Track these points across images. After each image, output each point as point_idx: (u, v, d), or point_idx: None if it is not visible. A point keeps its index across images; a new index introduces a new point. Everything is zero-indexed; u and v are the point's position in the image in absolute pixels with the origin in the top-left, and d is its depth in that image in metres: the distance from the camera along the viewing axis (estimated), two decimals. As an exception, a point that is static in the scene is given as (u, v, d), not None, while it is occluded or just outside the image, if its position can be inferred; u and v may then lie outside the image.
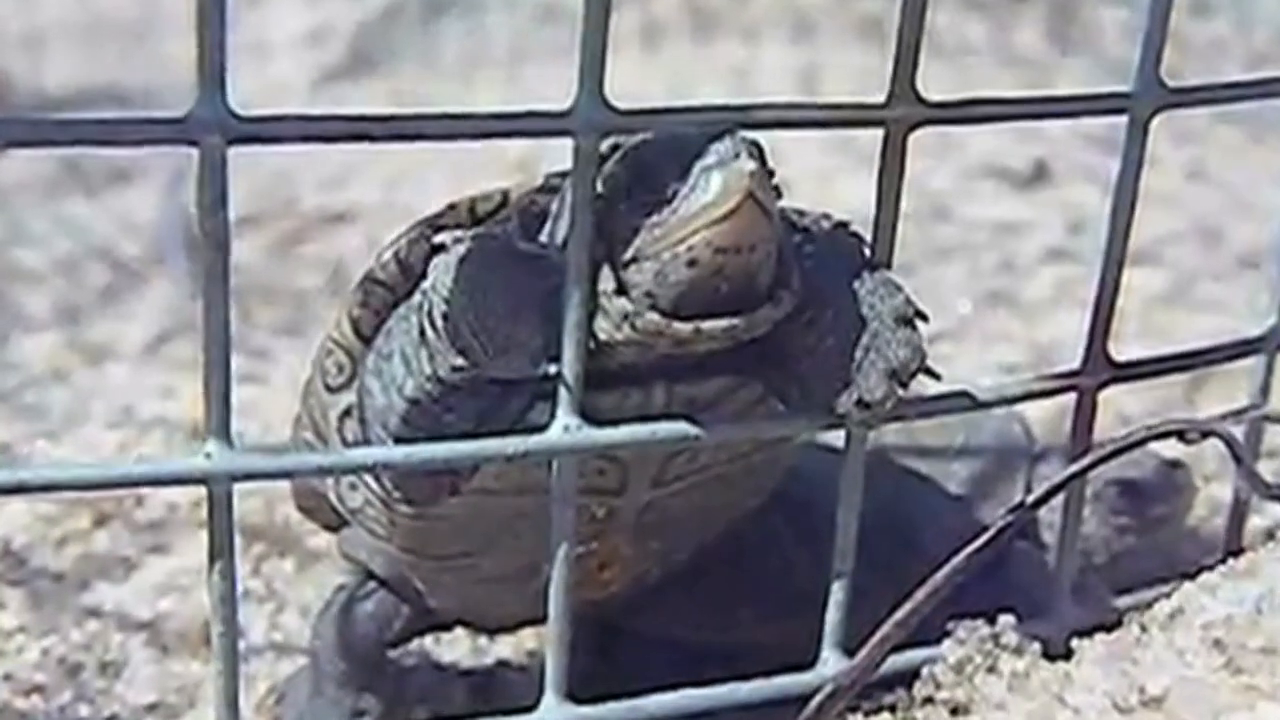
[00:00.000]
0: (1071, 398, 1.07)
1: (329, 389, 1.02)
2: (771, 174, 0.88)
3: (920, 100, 0.92)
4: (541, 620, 0.96)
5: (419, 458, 0.89)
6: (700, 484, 1.00)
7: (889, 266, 0.96)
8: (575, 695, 0.95)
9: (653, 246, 0.87)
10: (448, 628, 1.19)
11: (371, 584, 1.14)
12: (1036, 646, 1.00)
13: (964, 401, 1.02)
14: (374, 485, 0.99)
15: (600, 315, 0.89)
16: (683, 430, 0.93)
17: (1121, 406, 1.59)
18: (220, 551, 0.87)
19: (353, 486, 1.03)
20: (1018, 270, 2.13)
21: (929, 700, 0.99)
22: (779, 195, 0.89)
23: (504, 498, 0.97)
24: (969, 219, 2.29)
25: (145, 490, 1.41)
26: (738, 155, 0.85)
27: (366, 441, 0.96)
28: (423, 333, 0.91)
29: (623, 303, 0.88)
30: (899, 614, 1.00)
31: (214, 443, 0.85)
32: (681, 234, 0.86)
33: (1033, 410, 1.25)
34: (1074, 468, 1.05)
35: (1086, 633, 0.95)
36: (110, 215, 2.65)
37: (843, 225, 0.98)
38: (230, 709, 0.90)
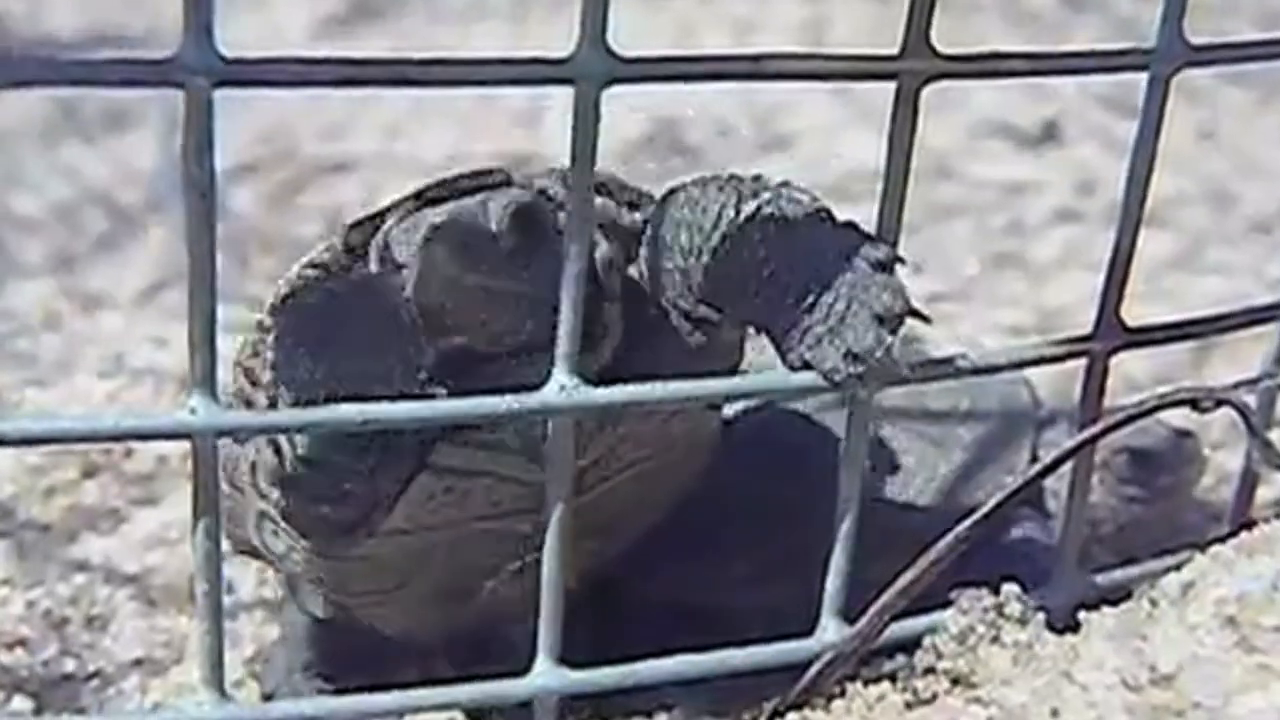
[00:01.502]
0: (1078, 362, 1.04)
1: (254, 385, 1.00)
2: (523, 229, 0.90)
3: (934, 53, 0.89)
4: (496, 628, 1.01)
5: (411, 416, 0.87)
6: (619, 486, 1.00)
7: (898, 222, 0.93)
8: (568, 660, 0.93)
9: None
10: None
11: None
12: (1041, 617, 0.98)
13: (973, 364, 0.99)
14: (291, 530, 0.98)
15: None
16: (678, 390, 0.91)
17: (1128, 372, 1.56)
18: (205, 509, 0.85)
19: (274, 533, 1.01)
20: (1025, 231, 2.11)
21: (930, 670, 0.97)
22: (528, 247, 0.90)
23: (417, 535, 0.96)
24: (976, 178, 2.26)
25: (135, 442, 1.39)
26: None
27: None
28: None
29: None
30: (901, 581, 0.98)
31: (198, 396, 0.83)
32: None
33: (1038, 374, 1.22)
34: (1085, 434, 1.02)
35: (1093, 605, 0.92)
36: (108, 161, 2.62)
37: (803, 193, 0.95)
38: (215, 668, 0.88)
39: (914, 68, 0.89)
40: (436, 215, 0.90)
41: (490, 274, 0.89)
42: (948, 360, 0.98)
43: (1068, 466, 1.04)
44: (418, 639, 1.11)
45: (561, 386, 0.87)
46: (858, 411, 0.96)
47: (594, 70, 0.82)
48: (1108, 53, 0.95)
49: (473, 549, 0.99)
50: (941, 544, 0.99)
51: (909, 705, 0.96)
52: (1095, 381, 1.04)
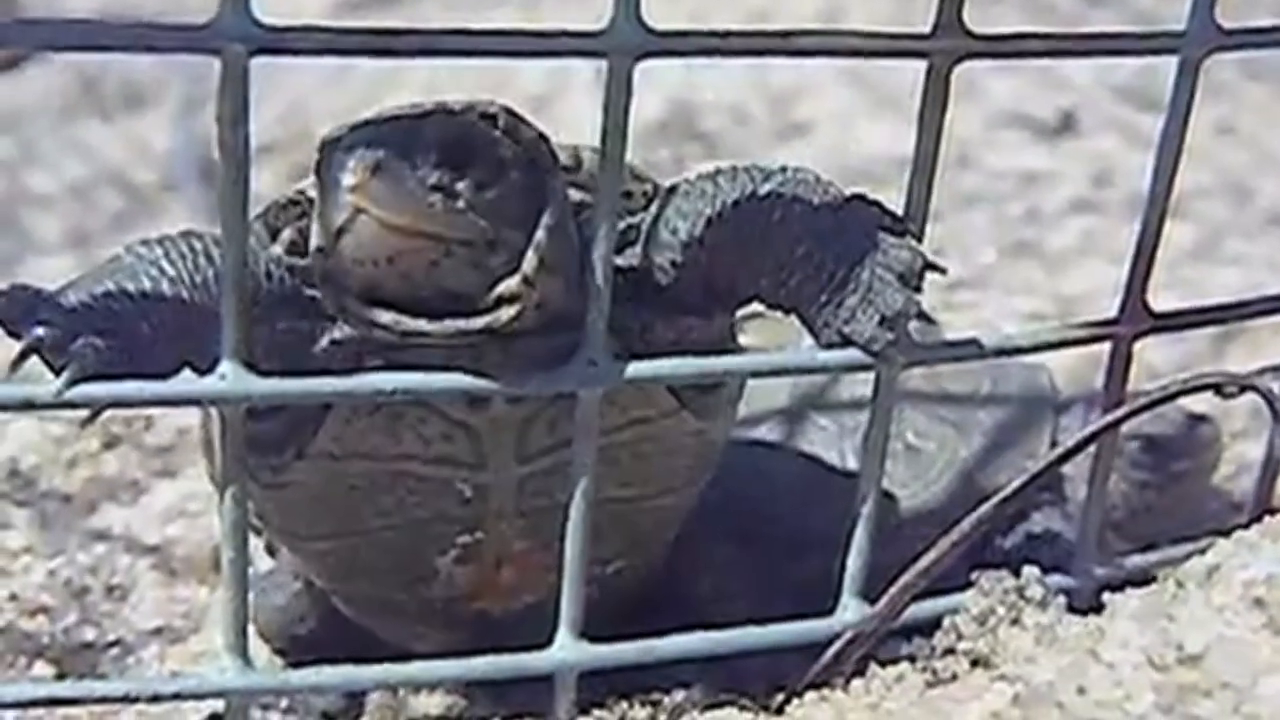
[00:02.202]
0: (1099, 350, 1.04)
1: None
2: (459, 161, 0.85)
3: (966, 32, 0.89)
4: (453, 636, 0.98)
5: (447, 386, 0.87)
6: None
7: (927, 203, 0.93)
8: (589, 634, 0.93)
9: (319, 242, 0.86)
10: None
11: (282, 576, 1.13)
12: (1062, 600, 0.98)
13: (996, 346, 0.99)
14: None
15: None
16: (714, 365, 0.91)
17: (1148, 360, 1.56)
18: (233, 476, 0.85)
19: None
20: (1043, 221, 2.10)
21: (950, 651, 0.97)
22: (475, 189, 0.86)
23: (348, 463, 0.92)
24: (994, 168, 2.25)
25: (155, 413, 1.39)
26: (353, 167, 0.83)
27: None
28: None
29: (327, 298, 0.87)
30: (921, 562, 0.98)
31: (228, 364, 0.83)
32: (324, 246, 0.85)
33: (1055, 361, 1.22)
34: (1108, 418, 1.02)
35: (1117, 587, 0.92)
36: (124, 140, 2.62)
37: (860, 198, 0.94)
38: (239, 635, 0.88)
39: (945, 47, 0.89)
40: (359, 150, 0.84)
41: (427, 214, 0.85)
42: (973, 340, 0.98)
43: (1083, 452, 1.04)
44: (378, 628, 1.08)
45: (592, 362, 0.87)
46: (883, 393, 0.96)
47: (627, 42, 0.82)
48: (1139, 35, 0.95)
49: (413, 504, 0.94)
50: (963, 525, 0.99)
51: (929, 685, 0.96)
52: (1119, 365, 1.04)
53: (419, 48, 0.80)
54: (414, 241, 0.84)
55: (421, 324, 0.86)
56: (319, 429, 0.91)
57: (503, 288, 0.86)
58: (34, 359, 0.83)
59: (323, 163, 0.85)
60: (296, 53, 0.78)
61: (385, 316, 0.86)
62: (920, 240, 0.92)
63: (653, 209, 0.94)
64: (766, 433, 1.23)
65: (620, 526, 1.00)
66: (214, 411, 0.95)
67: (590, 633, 0.92)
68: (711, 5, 3.16)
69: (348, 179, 0.83)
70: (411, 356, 0.87)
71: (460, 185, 0.85)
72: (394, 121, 0.86)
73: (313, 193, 0.88)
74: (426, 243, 0.85)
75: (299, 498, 0.96)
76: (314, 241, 0.86)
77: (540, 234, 0.87)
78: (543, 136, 0.89)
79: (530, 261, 0.86)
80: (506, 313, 0.86)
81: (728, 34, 0.85)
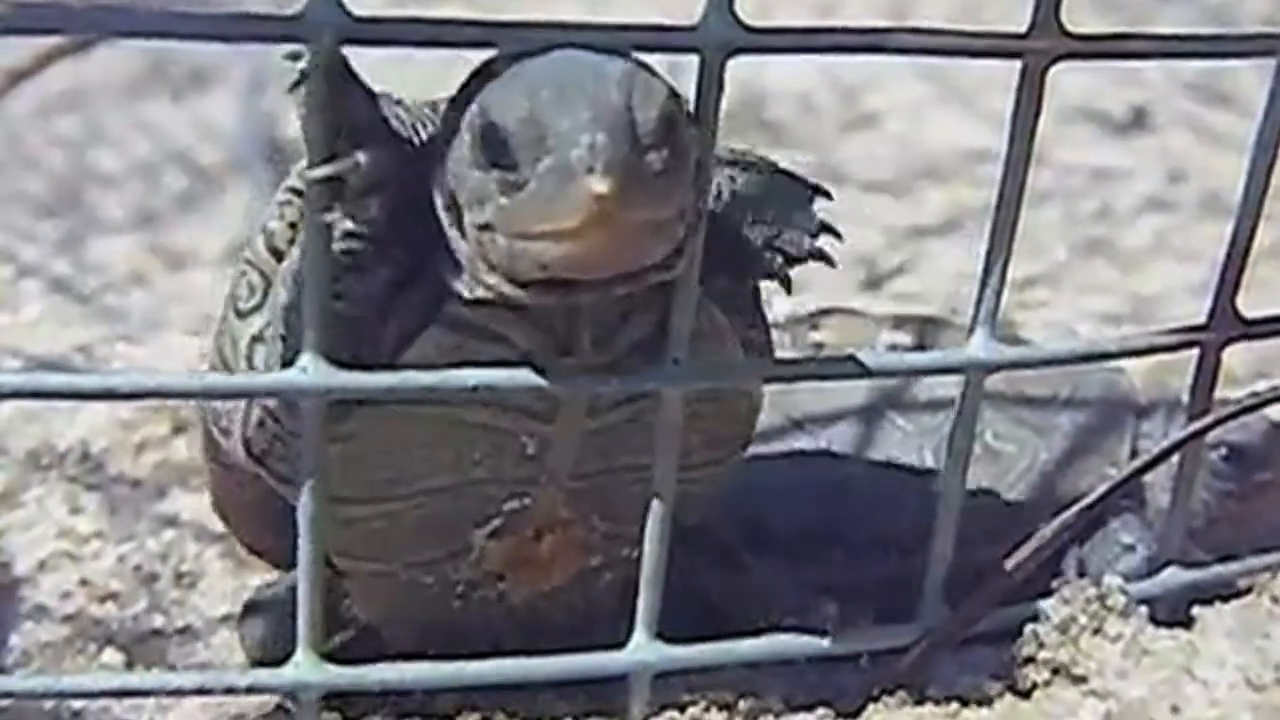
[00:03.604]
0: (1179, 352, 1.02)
1: (240, 314, 0.95)
2: (669, 134, 0.77)
3: (1063, 32, 0.87)
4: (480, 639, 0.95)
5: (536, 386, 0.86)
6: (641, 429, 0.90)
7: (1018, 203, 0.91)
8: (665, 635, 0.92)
9: (503, 225, 0.78)
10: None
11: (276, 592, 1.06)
12: (1144, 610, 0.96)
13: (1084, 351, 0.97)
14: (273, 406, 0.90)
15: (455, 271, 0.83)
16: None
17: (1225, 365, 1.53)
18: (312, 468, 0.84)
19: (260, 423, 0.91)
20: (1116, 218, 2.08)
21: (1030, 660, 0.95)
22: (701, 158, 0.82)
23: (412, 409, 0.87)
24: (1065, 163, 2.23)
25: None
26: (592, 166, 0.73)
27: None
28: None
29: (470, 264, 0.82)
30: (1003, 568, 0.97)
31: (309, 356, 0.82)
32: (527, 233, 0.77)
33: (1130, 362, 1.20)
34: (1194, 426, 1.01)
35: (1200, 601, 0.90)
36: (189, 120, 2.63)
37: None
38: (314, 628, 0.87)
39: (1042, 46, 0.88)
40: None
41: (663, 204, 0.78)
42: (1061, 344, 0.97)
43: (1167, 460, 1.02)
44: (400, 626, 1.02)
45: (675, 360, 0.86)
46: (970, 396, 0.94)
47: (720, 39, 0.80)
48: (1243, 36, 0.93)
49: (470, 461, 0.90)
50: (1045, 531, 0.98)
51: (1007, 694, 0.95)
52: (1207, 373, 1.02)
53: (515, 40, 0.79)
54: (645, 234, 0.78)
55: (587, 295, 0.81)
56: (400, 351, 0.86)
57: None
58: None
59: (512, 145, 0.77)
60: (388, 43, 0.77)
61: (549, 298, 0.81)
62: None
63: None
64: (845, 429, 1.21)
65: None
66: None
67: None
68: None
69: (598, 185, 0.73)
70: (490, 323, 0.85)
71: (673, 159, 0.78)
72: (583, 94, 0.76)
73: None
74: (653, 231, 0.78)
75: (354, 452, 0.89)
76: (485, 220, 0.79)
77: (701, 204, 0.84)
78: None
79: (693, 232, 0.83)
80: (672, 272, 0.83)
81: (820, 30, 0.84)
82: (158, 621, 1.20)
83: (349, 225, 0.83)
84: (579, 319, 0.85)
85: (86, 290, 1.76)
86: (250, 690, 0.88)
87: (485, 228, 0.79)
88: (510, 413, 0.89)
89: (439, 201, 0.83)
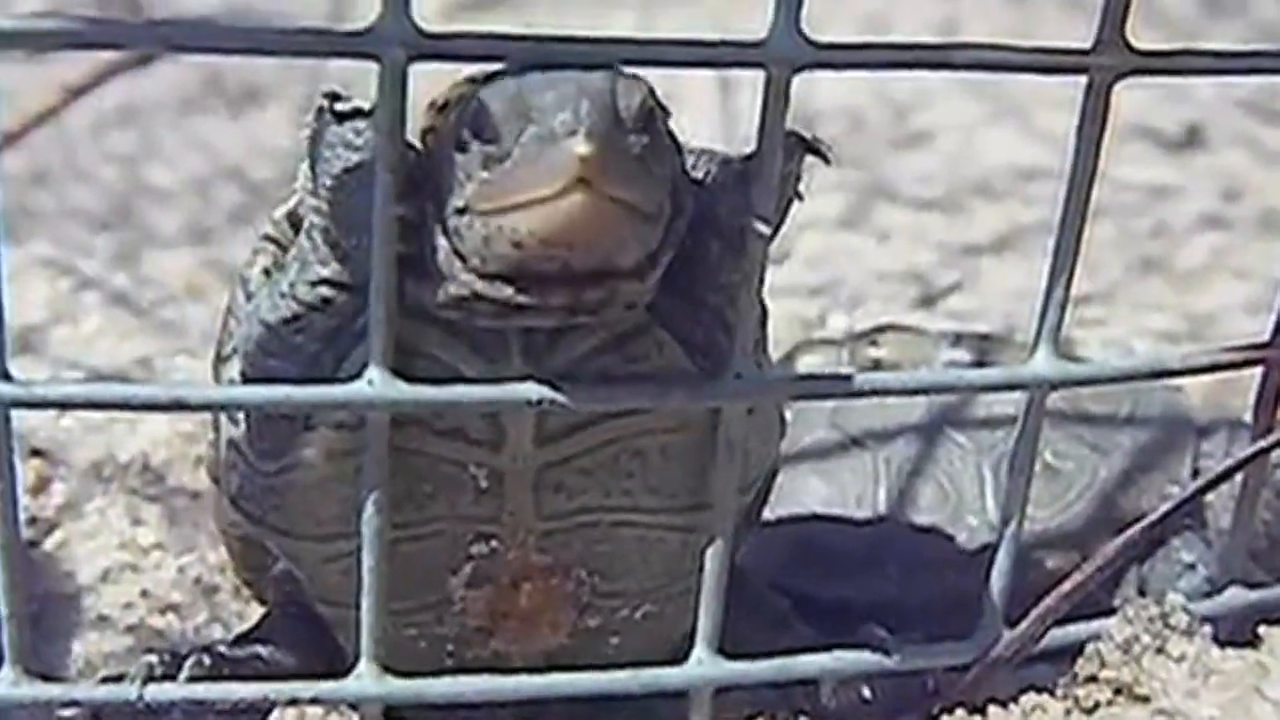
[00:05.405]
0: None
1: (221, 359, 0.96)
2: (650, 123, 0.78)
3: (1129, 48, 0.87)
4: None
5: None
6: (603, 463, 0.88)
7: (1082, 221, 0.91)
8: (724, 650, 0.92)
9: (483, 200, 0.78)
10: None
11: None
12: (1208, 630, 0.96)
13: (1147, 368, 0.97)
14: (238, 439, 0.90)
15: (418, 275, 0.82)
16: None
17: None
18: (376, 482, 0.85)
19: (231, 465, 0.91)
20: (1171, 236, 2.06)
21: (1092, 679, 0.95)
22: (670, 147, 0.81)
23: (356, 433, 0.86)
24: (1119, 180, 2.21)
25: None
26: (575, 130, 0.74)
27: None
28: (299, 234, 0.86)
29: (445, 261, 0.81)
30: (1064, 585, 0.96)
31: (375, 370, 0.83)
32: (504, 206, 0.77)
33: (1188, 380, 1.19)
34: (1258, 445, 1.00)
35: (1272, 621, 0.90)
36: (243, 136, 2.65)
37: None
38: (377, 643, 0.88)
39: (1107, 63, 0.87)
40: None
41: (642, 186, 0.78)
42: (1123, 362, 0.96)
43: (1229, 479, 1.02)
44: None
45: (738, 375, 0.86)
46: (1032, 414, 0.94)
47: (787, 54, 0.80)
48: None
49: (423, 495, 0.88)
50: (1108, 549, 0.97)
51: (1069, 713, 0.94)
52: (1270, 390, 1.01)
53: (580, 57, 0.79)
54: (622, 218, 0.77)
55: (559, 298, 0.79)
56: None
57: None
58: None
59: (496, 119, 0.77)
60: (456, 59, 0.78)
61: (521, 297, 0.79)
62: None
63: None
64: (903, 446, 1.21)
65: (651, 552, 0.93)
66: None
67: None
68: (825, 13, 3.14)
69: (580, 146, 0.73)
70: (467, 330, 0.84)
71: (651, 151, 0.79)
72: (569, 78, 0.77)
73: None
74: (629, 217, 0.77)
75: (303, 481, 0.88)
76: (463, 202, 0.79)
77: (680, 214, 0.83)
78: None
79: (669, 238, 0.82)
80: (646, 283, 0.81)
81: (886, 46, 0.84)
82: (218, 633, 1.20)
83: (326, 273, 0.85)
84: (508, 331, 0.84)
85: (144, 304, 1.77)
86: (314, 702, 0.88)
87: (462, 211, 0.79)
88: (453, 440, 0.87)
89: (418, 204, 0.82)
